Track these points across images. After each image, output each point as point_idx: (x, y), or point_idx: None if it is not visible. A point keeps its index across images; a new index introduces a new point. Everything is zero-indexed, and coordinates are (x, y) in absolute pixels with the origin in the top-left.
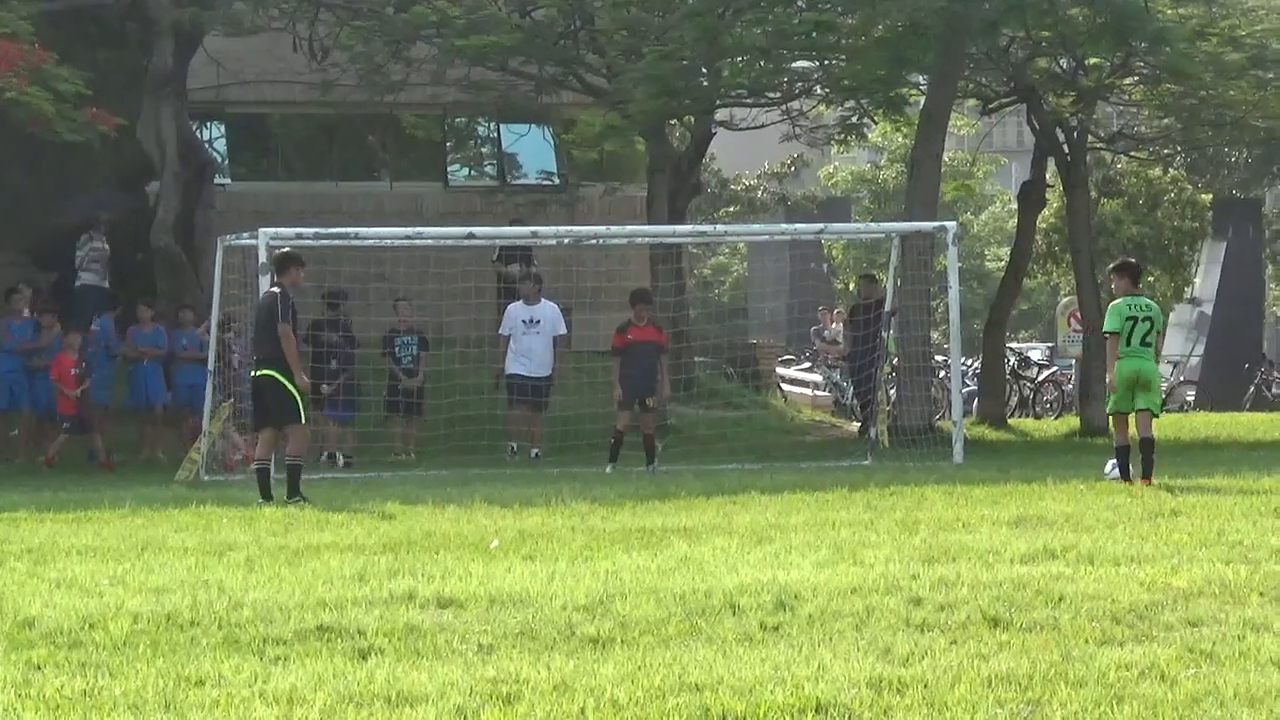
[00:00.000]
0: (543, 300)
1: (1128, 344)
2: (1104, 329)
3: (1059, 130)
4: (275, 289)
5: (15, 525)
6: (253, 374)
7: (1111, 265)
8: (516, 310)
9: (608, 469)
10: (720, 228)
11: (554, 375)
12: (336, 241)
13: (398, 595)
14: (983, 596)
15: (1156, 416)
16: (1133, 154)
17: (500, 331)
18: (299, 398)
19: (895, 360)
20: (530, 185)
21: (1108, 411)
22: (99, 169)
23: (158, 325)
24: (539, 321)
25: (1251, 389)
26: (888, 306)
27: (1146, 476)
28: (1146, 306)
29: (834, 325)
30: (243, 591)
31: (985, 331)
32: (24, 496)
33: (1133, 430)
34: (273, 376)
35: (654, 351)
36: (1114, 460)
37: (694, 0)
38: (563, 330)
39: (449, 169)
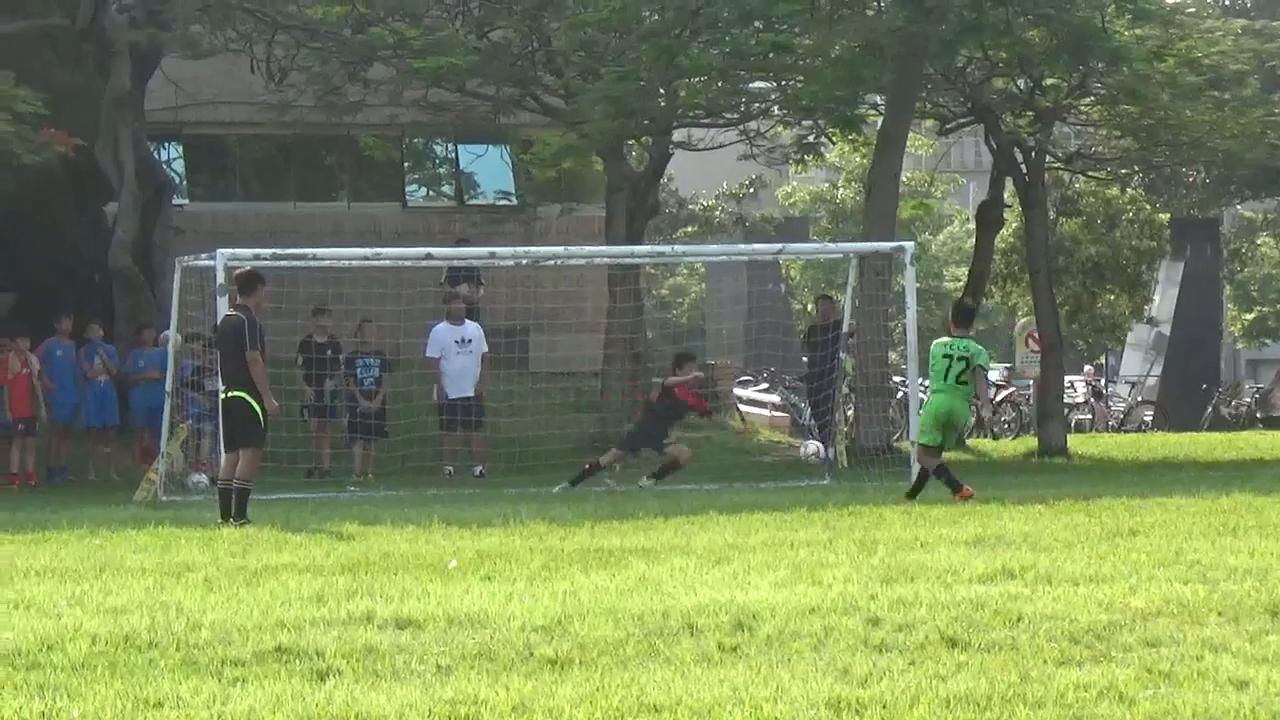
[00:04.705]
0: (467, 320)
1: (943, 380)
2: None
3: (1017, 150)
4: (239, 312)
5: None
6: (223, 396)
7: None
8: (445, 331)
9: (558, 489)
10: (678, 248)
11: (478, 394)
12: (294, 262)
13: (356, 616)
14: (941, 617)
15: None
16: (1090, 174)
17: (429, 354)
18: (264, 421)
19: (853, 380)
20: (488, 205)
21: (919, 442)
22: (57, 190)
23: (109, 345)
24: (470, 341)
25: (1209, 409)
26: (845, 327)
27: (912, 496)
28: (964, 346)
29: None
30: (201, 612)
31: None
32: None
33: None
34: (241, 398)
35: (682, 412)
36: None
37: (651, 21)
38: (486, 348)
39: (407, 189)
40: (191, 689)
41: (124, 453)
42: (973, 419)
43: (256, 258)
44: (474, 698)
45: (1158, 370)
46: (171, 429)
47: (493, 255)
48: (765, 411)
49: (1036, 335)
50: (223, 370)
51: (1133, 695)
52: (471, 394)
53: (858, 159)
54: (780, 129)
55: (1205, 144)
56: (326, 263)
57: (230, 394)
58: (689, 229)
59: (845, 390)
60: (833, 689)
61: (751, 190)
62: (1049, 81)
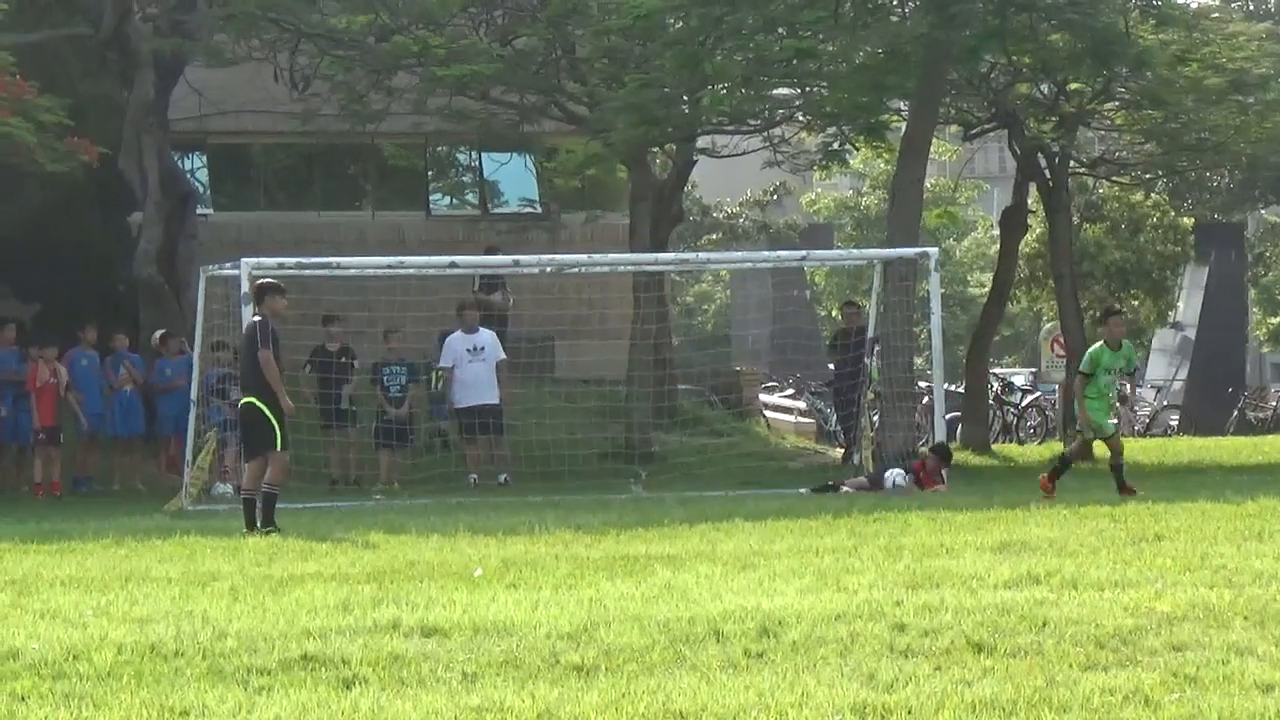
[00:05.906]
0: (480, 329)
1: None
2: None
3: (1040, 155)
4: (256, 318)
5: None
6: (240, 403)
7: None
8: (458, 340)
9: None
10: (703, 255)
11: (502, 401)
12: (319, 271)
13: (382, 624)
14: (966, 622)
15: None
16: (1114, 179)
17: (442, 364)
18: (278, 426)
19: (878, 386)
20: (512, 214)
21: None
22: (81, 199)
23: (135, 354)
24: (482, 349)
25: (1234, 413)
26: (870, 333)
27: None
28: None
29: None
30: (227, 621)
31: (968, 357)
32: (7, 528)
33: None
34: (252, 404)
35: None
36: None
37: (675, 29)
38: (503, 356)
39: (431, 198)
40: (217, 698)
41: (149, 462)
42: (998, 424)
43: (280, 267)
44: (500, 705)
45: (1183, 374)
46: (197, 440)
47: (517, 263)
48: (790, 417)
49: (1061, 340)
50: (240, 377)
51: (1158, 699)
52: (490, 402)
53: (881, 165)
54: (804, 136)
55: (1229, 148)
56: (350, 271)
57: (244, 400)
58: (713, 236)
59: (870, 396)
60: (858, 694)
61: (775, 197)
62: (1072, 86)
